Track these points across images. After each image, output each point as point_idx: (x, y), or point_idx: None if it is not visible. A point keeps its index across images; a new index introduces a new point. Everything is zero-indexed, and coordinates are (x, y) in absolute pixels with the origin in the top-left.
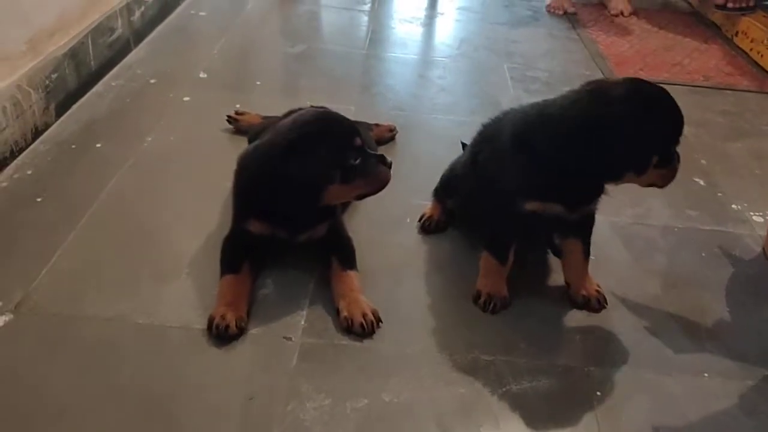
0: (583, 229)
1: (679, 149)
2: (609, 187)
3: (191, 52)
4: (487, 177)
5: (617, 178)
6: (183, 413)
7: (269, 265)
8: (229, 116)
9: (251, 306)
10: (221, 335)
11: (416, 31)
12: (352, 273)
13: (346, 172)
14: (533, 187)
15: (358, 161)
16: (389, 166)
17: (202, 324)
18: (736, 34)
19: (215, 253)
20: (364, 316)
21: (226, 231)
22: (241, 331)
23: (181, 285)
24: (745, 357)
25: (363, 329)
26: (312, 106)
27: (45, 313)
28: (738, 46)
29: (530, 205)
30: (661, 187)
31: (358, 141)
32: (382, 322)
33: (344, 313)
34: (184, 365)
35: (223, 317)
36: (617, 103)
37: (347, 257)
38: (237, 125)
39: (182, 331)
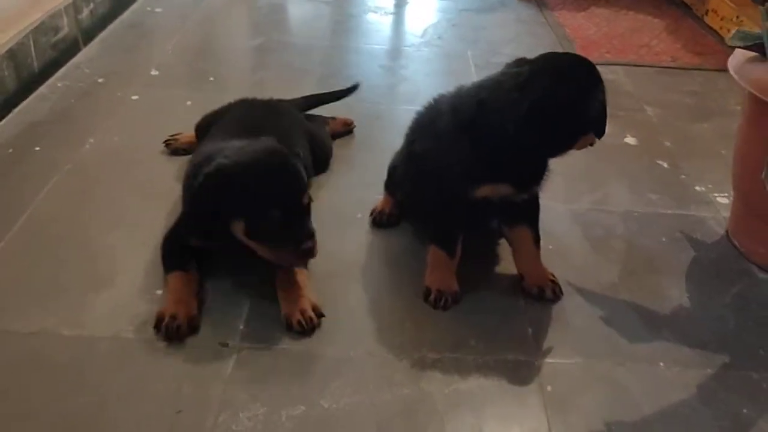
0: (531, 213)
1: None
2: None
3: (144, 50)
4: (426, 166)
5: (563, 151)
6: (107, 427)
7: (208, 266)
8: (166, 140)
9: (201, 304)
10: (171, 335)
11: (381, 21)
12: (294, 270)
13: (252, 226)
14: (482, 169)
15: (276, 223)
16: (307, 252)
17: (132, 333)
18: (707, 12)
19: (150, 259)
20: (302, 312)
21: (159, 236)
22: (194, 330)
23: (114, 293)
24: (704, 344)
25: (302, 327)
26: (256, 99)
27: None
28: (708, 26)
29: (480, 190)
30: (592, 145)
31: (303, 198)
32: (324, 316)
33: (283, 311)
34: (110, 378)
35: (173, 317)
36: (567, 80)
37: None
38: (173, 147)
39: (111, 342)
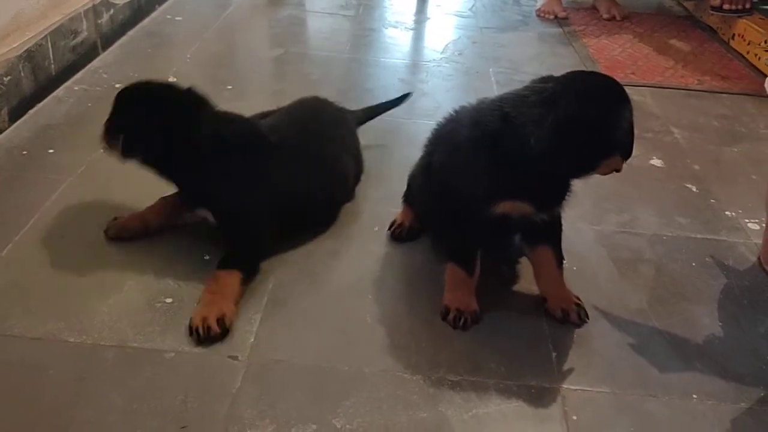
0: (552, 233)
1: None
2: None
3: (162, 57)
4: (444, 180)
5: (587, 173)
6: None
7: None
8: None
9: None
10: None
11: (401, 36)
12: (222, 273)
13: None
14: (501, 186)
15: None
16: None
17: (139, 342)
18: (733, 37)
19: (161, 265)
20: (203, 319)
21: (171, 243)
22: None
23: (121, 299)
24: (739, 377)
25: (197, 335)
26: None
27: None
28: (734, 49)
29: (499, 207)
30: (619, 171)
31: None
32: (228, 331)
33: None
34: (113, 390)
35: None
36: (594, 99)
37: (229, 254)
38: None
39: (116, 350)
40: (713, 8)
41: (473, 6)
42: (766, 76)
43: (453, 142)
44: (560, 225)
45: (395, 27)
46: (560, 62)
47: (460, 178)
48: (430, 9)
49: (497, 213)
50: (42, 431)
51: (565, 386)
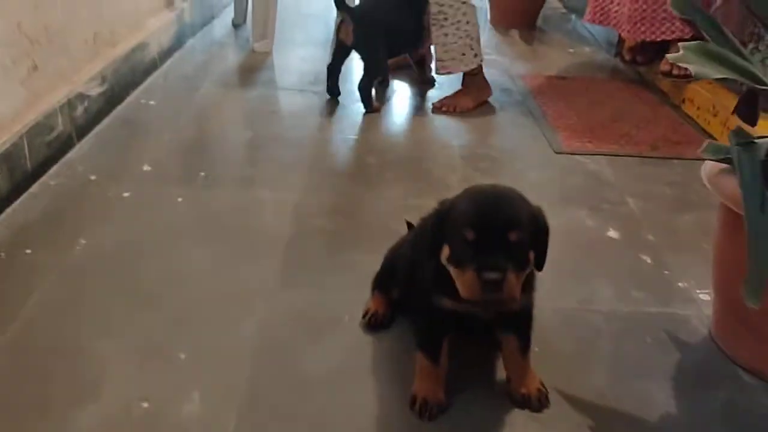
0: (519, 322)
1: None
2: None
3: (137, 145)
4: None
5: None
6: None
7: (197, 373)
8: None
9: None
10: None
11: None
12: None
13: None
14: (445, 285)
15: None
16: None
17: None
18: (683, 101)
19: (138, 367)
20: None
21: (153, 343)
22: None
23: (100, 407)
24: None
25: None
26: None
27: None
28: (686, 114)
29: (445, 302)
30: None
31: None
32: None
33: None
34: None
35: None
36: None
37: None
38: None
39: None
40: (663, 73)
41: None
42: (716, 140)
43: (416, 234)
44: (530, 316)
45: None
46: (522, 133)
47: (418, 267)
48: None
49: (445, 309)
50: None
51: None
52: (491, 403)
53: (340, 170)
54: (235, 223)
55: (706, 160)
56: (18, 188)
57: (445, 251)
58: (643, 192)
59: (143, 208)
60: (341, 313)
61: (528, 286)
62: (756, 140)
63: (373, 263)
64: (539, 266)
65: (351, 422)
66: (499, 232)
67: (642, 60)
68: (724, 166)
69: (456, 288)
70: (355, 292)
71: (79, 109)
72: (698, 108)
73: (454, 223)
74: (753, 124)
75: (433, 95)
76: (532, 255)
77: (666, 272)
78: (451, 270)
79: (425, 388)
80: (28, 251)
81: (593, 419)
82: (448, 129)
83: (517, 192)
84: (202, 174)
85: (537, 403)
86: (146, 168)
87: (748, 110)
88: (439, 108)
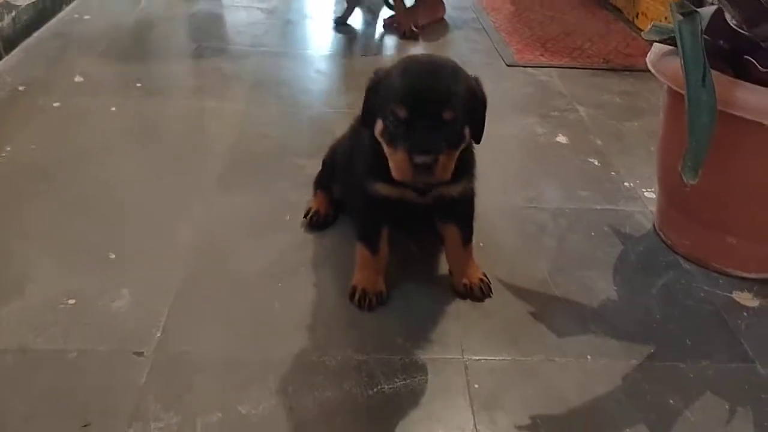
0: (461, 212)
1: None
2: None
3: (69, 57)
4: (349, 162)
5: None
6: None
7: (127, 271)
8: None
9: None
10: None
11: (309, 26)
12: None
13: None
14: (378, 168)
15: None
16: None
17: (39, 345)
18: (637, 15)
19: (62, 268)
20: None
21: (82, 245)
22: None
23: (23, 303)
24: (631, 336)
25: (482, 293)
26: None
27: None
28: (639, 28)
29: (381, 189)
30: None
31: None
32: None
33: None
34: (14, 394)
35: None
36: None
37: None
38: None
39: (17, 355)
40: None
41: None
42: None
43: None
44: (470, 204)
45: (309, 17)
46: (474, 47)
47: (356, 157)
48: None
49: (380, 195)
50: None
51: (467, 357)
52: (433, 293)
53: (287, 79)
54: (173, 132)
55: (651, 41)
56: None
57: (379, 125)
58: (593, 101)
59: (74, 117)
60: (282, 214)
61: (468, 173)
62: (698, 10)
63: (316, 167)
64: (477, 139)
65: (288, 315)
66: (432, 110)
67: None
68: (668, 48)
69: (390, 172)
70: (297, 194)
71: (6, 19)
72: (651, 21)
73: (386, 98)
74: None
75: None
76: (467, 131)
77: (612, 173)
78: (384, 147)
79: (364, 278)
80: None
81: (534, 306)
82: (401, 45)
83: (453, 64)
84: (138, 85)
85: (479, 292)
86: (78, 79)
87: None
88: (390, 24)
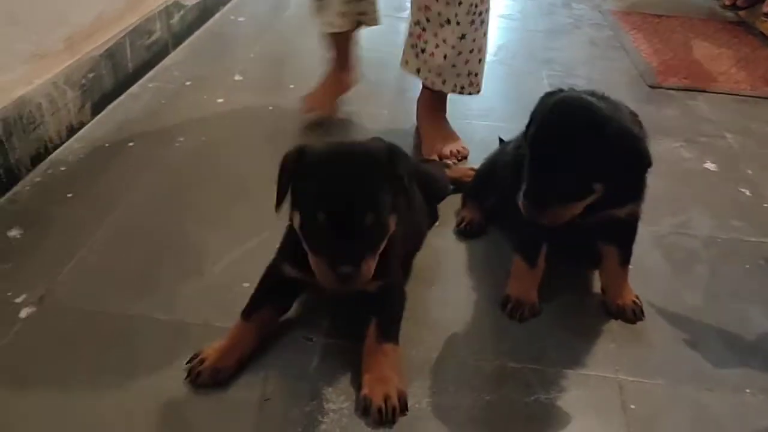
0: (622, 233)
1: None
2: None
3: (228, 56)
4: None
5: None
6: (194, 414)
7: None
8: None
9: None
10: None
11: None
12: (388, 346)
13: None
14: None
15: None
16: (342, 277)
17: (221, 321)
18: None
19: (236, 254)
20: (386, 399)
21: (247, 232)
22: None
23: (203, 284)
24: None
25: (380, 415)
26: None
27: (67, 307)
28: None
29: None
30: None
31: (363, 217)
32: (407, 410)
33: (364, 391)
34: None
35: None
36: None
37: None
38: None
39: (201, 328)
40: (766, 15)
41: (522, 9)
42: None
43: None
44: (635, 227)
45: None
46: (613, 66)
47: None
48: None
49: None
50: (135, 404)
51: (621, 377)
52: (584, 310)
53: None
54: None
55: None
56: (120, 86)
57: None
58: (741, 128)
59: (237, 112)
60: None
61: (635, 200)
62: None
63: None
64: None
65: (444, 318)
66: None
67: (742, 4)
68: None
69: None
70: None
71: (176, 17)
72: None
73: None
74: None
75: None
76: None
77: (766, 205)
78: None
79: (519, 290)
80: (131, 144)
81: (688, 333)
82: (535, 57)
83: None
84: (292, 86)
85: (632, 314)
86: (237, 78)
87: None
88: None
